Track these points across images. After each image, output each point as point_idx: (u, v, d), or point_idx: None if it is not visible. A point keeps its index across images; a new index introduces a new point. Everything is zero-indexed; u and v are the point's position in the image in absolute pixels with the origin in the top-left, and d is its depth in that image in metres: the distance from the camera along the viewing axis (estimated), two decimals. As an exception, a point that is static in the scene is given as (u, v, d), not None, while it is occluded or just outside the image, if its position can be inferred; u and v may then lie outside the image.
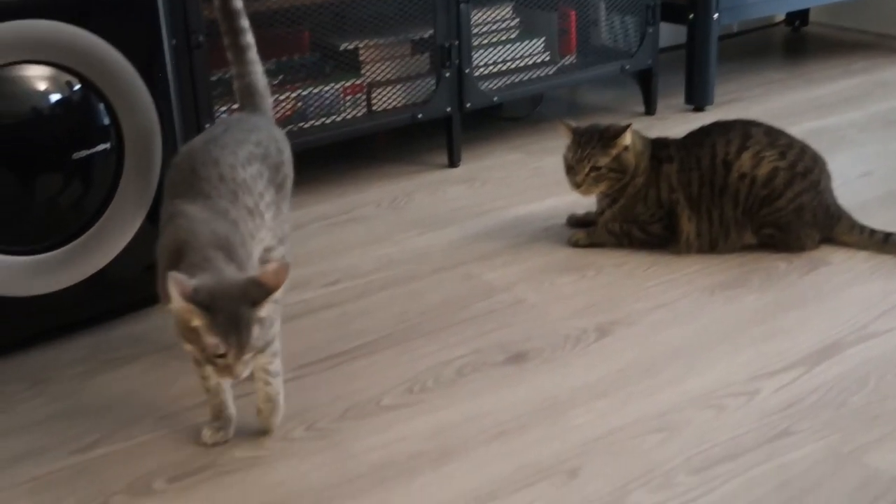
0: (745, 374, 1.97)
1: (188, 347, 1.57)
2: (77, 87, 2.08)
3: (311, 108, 2.85)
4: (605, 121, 2.50)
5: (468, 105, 3.03)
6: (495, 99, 3.10)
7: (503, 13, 3.18)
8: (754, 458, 1.73)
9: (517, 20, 3.21)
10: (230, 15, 2.03)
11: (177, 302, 1.51)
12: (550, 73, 3.27)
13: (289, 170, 1.96)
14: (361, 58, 2.93)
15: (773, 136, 2.42)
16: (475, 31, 3.06)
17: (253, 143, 1.86)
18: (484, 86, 3.08)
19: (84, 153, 2.09)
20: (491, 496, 1.66)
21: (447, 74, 2.98)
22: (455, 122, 3.04)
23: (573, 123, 2.48)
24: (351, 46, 2.92)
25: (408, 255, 2.51)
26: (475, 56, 3.06)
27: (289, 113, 2.82)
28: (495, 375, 2.00)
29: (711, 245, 2.43)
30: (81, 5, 2.05)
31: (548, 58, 3.27)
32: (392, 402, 1.92)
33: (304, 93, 2.83)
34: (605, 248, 2.49)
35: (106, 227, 2.14)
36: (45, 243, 2.09)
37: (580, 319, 2.19)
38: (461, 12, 2.96)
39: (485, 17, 3.13)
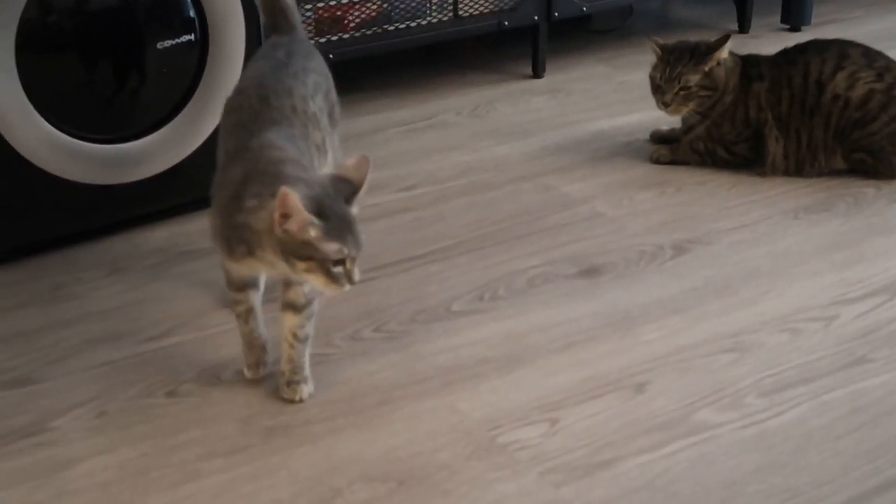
0: (824, 300, 1.92)
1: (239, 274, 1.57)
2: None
3: (396, 11, 2.81)
4: (695, 38, 2.42)
5: (556, 14, 2.97)
6: (584, 9, 3.03)
7: (597, -80, 3.08)
8: (828, 384, 1.69)
9: (612, -72, 3.12)
10: None
11: (298, 217, 1.42)
12: (643, -16, 3.17)
13: (335, 96, 1.84)
14: (450, -40, 2.88)
15: (871, 58, 2.32)
16: (567, -63, 2.98)
17: (314, 70, 1.75)
18: (573, -5, 3.01)
19: (168, 43, 2.09)
20: (556, 405, 1.65)
21: (536, -18, 2.91)
22: (542, 32, 2.98)
23: (661, 41, 2.41)
24: (441, -52, 2.86)
25: (486, 164, 2.48)
26: (566, -36, 2.98)
27: (373, 14, 2.78)
28: (567, 287, 1.98)
29: (798, 168, 2.36)
30: None
31: (641, -31, 3.17)
32: (462, 308, 1.91)
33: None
34: (688, 166, 2.43)
35: (187, 119, 2.15)
36: (127, 133, 2.11)
37: (657, 236, 2.15)
38: (554, -83, 2.88)
39: (578, -77, 3.04)
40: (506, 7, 2.93)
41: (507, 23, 2.91)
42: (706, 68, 2.33)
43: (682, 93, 2.34)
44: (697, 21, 3.51)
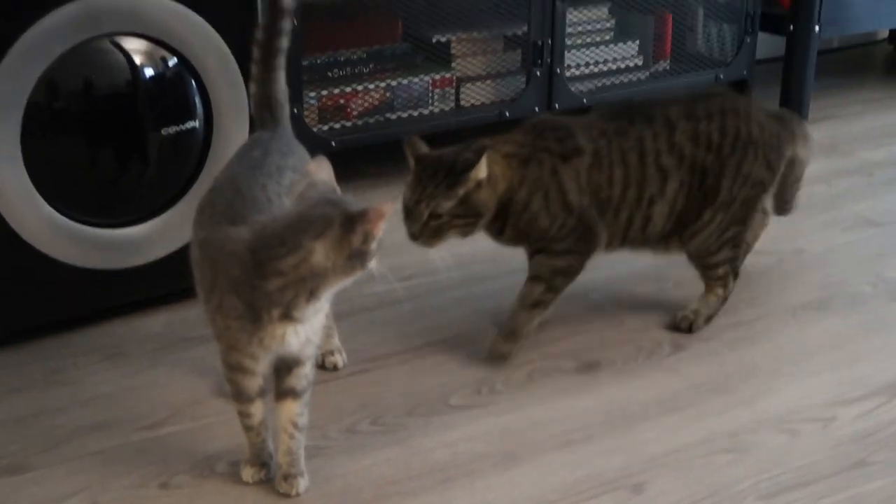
0: (822, 400, 1.91)
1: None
2: (171, 62, 2.09)
3: (399, 99, 2.85)
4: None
5: (556, 106, 3.00)
6: (585, 101, 3.06)
7: (599, 14, 3.14)
8: (826, 488, 1.68)
9: (612, 21, 3.17)
10: (278, 12, 1.83)
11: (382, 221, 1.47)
12: (643, 77, 3.22)
13: None
14: (453, 51, 2.92)
15: (695, 120, 2.06)
16: (569, 30, 3.03)
17: (290, 168, 1.74)
18: (574, 87, 3.05)
19: (173, 129, 2.11)
20: (553, 506, 1.64)
21: (538, 73, 2.95)
22: (543, 122, 3.00)
23: (422, 147, 1.95)
24: (443, 39, 2.90)
25: (484, 255, 2.47)
26: (567, 56, 3.03)
27: (377, 103, 2.82)
28: (565, 382, 1.97)
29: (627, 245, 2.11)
30: (181, -19, 2.07)
31: (641, 62, 3.22)
32: (460, 402, 1.91)
33: (394, 83, 2.83)
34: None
35: (188, 205, 2.15)
36: (128, 218, 2.12)
37: (655, 331, 2.15)
38: (557, 10, 2.93)
39: (580, 16, 3.09)
40: (507, 98, 2.97)
41: (508, 113, 2.94)
42: (461, 192, 1.91)
43: (432, 223, 1.91)
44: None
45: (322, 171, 1.56)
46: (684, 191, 2.04)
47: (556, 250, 2.00)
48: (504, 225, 1.99)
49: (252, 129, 2.02)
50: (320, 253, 1.47)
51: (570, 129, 2.01)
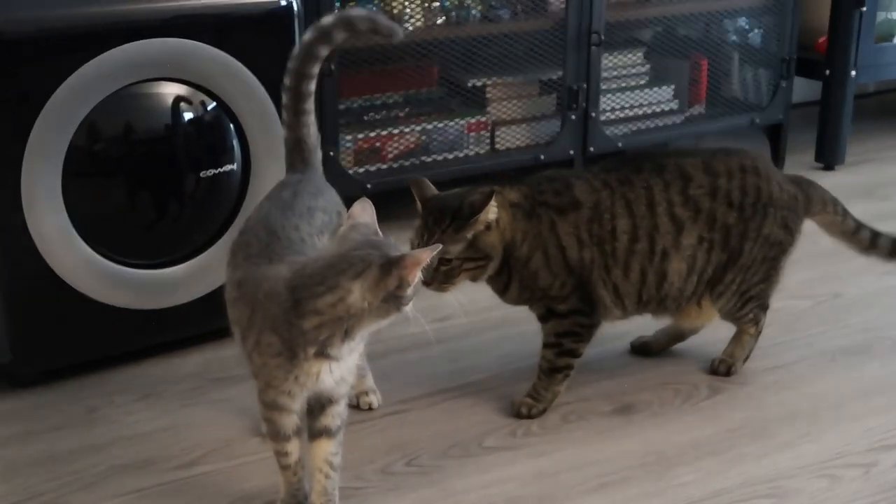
0: (863, 445, 1.89)
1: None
2: (211, 106, 2.12)
3: (435, 143, 2.86)
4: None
5: (591, 149, 3.01)
6: (619, 144, 3.07)
7: (634, 58, 3.15)
8: (867, 535, 1.66)
9: (647, 66, 3.18)
10: (307, 57, 1.81)
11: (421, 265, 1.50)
12: (678, 121, 3.23)
13: None
14: (488, 95, 2.94)
15: (714, 174, 2.00)
16: (604, 74, 3.04)
17: (321, 209, 1.75)
18: (609, 130, 3.06)
19: (211, 172, 2.13)
20: (589, 549, 1.62)
21: (573, 117, 2.97)
22: (577, 167, 3.01)
23: (428, 188, 1.92)
24: (479, 83, 2.93)
25: (520, 296, 2.48)
26: (602, 100, 3.04)
27: (412, 146, 2.83)
28: (601, 425, 1.96)
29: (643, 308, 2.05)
30: (221, 27, 2.10)
31: (676, 106, 3.23)
32: (495, 444, 1.90)
33: (429, 127, 2.85)
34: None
35: (225, 246, 2.16)
36: (167, 259, 2.14)
37: (692, 375, 2.13)
38: (592, 55, 2.95)
39: (615, 61, 3.11)
40: (542, 141, 2.98)
41: (543, 157, 2.95)
42: (468, 235, 1.88)
43: (442, 268, 1.87)
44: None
45: (365, 213, 1.58)
46: (705, 248, 1.97)
47: (560, 311, 1.96)
48: (509, 281, 1.95)
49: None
50: (357, 293, 1.48)
51: (568, 181, 1.96)
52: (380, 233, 1.58)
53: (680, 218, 1.96)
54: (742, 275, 2.01)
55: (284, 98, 1.85)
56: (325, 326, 1.50)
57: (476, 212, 1.86)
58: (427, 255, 1.49)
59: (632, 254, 1.95)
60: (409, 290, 1.50)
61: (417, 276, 1.50)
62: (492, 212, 1.88)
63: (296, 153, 1.86)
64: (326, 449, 1.62)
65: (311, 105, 1.85)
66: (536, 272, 1.93)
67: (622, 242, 1.94)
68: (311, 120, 1.86)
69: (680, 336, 2.20)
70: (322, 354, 1.52)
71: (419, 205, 1.92)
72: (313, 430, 1.63)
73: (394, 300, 1.49)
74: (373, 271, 1.48)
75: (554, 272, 1.93)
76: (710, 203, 1.97)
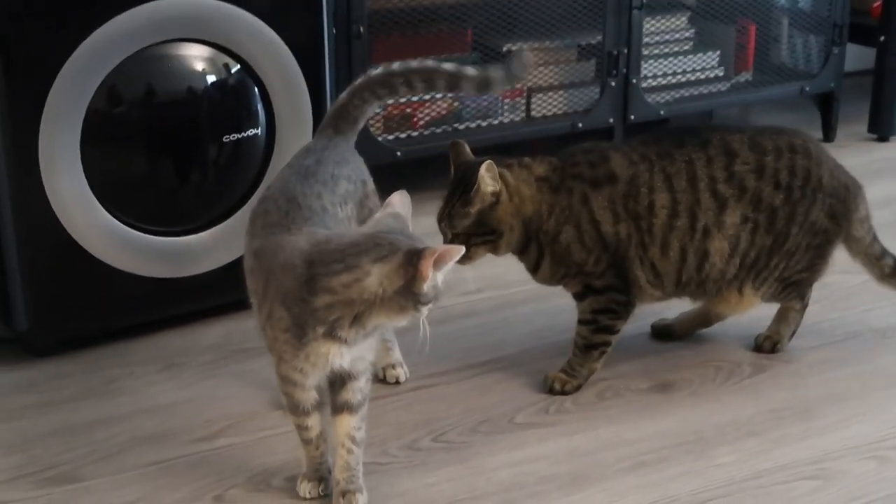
0: (914, 427, 1.87)
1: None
2: (235, 69, 2.12)
3: (468, 110, 2.85)
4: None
5: (632, 117, 2.98)
6: (661, 113, 3.04)
7: (678, 22, 3.11)
8: (917, 519, 1.64)
9: (692, 31, 3.14)
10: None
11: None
12: (723, 89, 3.19)
13: (374, 202, 1.81)
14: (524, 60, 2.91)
15: (762, 152, 1.98)
16: (646, 39, 3.01)
17: (345, 178, 1.74)
18: (650, 98, 3.02)
19: (234, 137, 2.13)
20: (623, 530, 1.61)
21: (612, 83, 2.94)
22: (617, 135, 2.98)
23: (463, 154, 1.93)
24: (514, 48, 2.90)
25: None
26: (644, 66, 3.01)
27: (444, 113, 2.82)
28: (638, 403, 1.95)
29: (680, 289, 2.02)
30: (246, -13, 2.09)
31: (721, 73, 3.19)
32: (526, 420, 1.89)
33: (462, 93, 2.82)
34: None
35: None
36: (188, 226, 2.14)
37: (734, 352, 2.11)
38: (633, 19, 2.92)
39: (658, 25, 3.07)
40: (580, 109, 2.96)
41: (580, 125, 2.93)
42: (472, 210, 1.88)
43: (455, 242, 1.87)
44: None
45: (403, 206, 1.57)
46: (749, 228, 1.95)
47: (596, 287, 1.94)
48: (540, 258, 1.95)
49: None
50: (374, 278, 1.47)
51: (605, 153, 1.95)
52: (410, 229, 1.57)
53: (723, 195, 1.93)
54: (786, 261, 1.98)
55: (357, 81, 1.86)
56: (336, 307, 1.49)
57: (474, 184, 1.85)
58: (456, 253, 1.48)
59: (671, 230, 1.93)
60: (426, 289, 1.48)
61: (433, 274, 1.47)
62: (487, 183, 1.86)
63: (340, 120, 1.85)
64: (348, 424, 1.62)
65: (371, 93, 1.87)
66: (568, 247, 1.92)
67: (660, 218, 1.92)
68: (369, 100, 1.86)
69: (706, 321, 2.16)
70: (331, 335, 1.51)
71: (452, 169, 1.92)
72: (335, 404, 1.63)
73: (411, 297, 1.48)
74: (396, 258, 1.47)
75: (587, 247, 1.92)
76: (756, 182, 1.94)
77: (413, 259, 1.46)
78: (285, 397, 1.62)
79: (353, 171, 1.78)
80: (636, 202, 1.92)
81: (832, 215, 2.00)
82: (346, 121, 1.86)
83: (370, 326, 1.52)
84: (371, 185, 1.83)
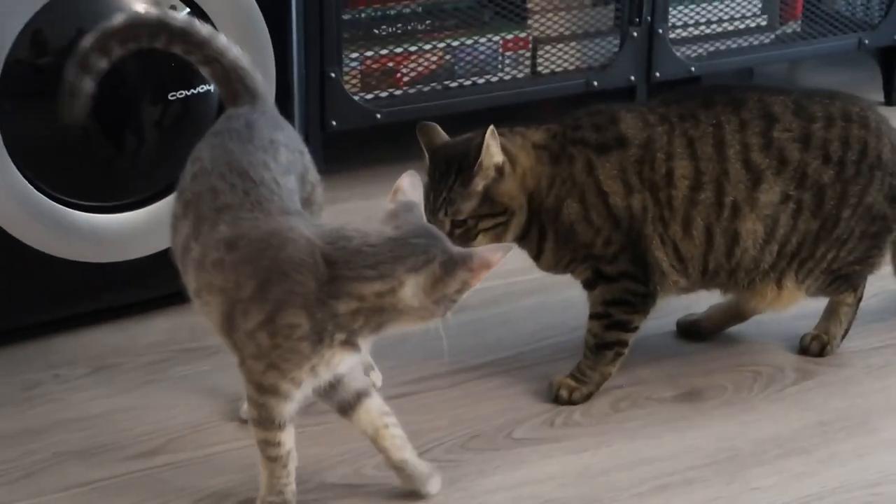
0: None
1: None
2: (183, 13, 2.10)
3: (462, 64, 2.84)
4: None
5: (657, 74, 2.98)
6: (693, 69, 3.04)
7: (713, -39, 3.12)
8: None
9: (730, -29, 3.15)
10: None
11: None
12: (766, 41, 3.19)
13: (314, 177, 1.81)
14: (529, 5, 2.91)
15: (808, 118, 1.97)
16: (675, -19, 3.02)
17: (284, 145, 1.74)
18: (680, 51, 3.02)
19: (183, 94, 2.12)
20: (640, 566, 1.62)
21: (635, 34, 2.93)
22: (640, 96, 2.98)
23: (438, 136, 1.95)
24: (518, -14, 2.90)
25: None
26: (672, 13, 3.01)
27: (434, 68, 2.81)
28: (661, 414, 1.95)
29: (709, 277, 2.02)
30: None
31: (764, 22, 3.19)
32: (527, 435, 1.89)
33: (455, 44, 2.82)
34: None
35: (199, 187, 2.17)
36: (127, 201, 2.13)
37: (775, 354, 2.12)
38: (659, -43, 2.92)
39: (689, -36, 3.07)
40: (595, 64, 2.95)
41: (596, 83, 2.93)
42: (479, 188, 1.89)
43: (457, 231, 1.88)
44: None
45: (414, 189, 1.62)
46: (790, 210, 1.93)
47: (608, 274, 1.94)
48: (542, 241, 1.95)
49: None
50: (409, 290, 1.53)
51: (614, 115, 1.95)
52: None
53: (757, 166, 1.92)
54: (836, 250, 1.98)
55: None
56: (362, 314, 1.54)
57: (478, 155, 1.86)
58: (500, 256, 1.54)
59: (693, 205, 1.92)
60: (465, 296, 1.55)
61: (481, 281, 1.55)
62: (494, 152, 1.87)
63: (235, 83, 1.81)
64: (373, 406, 1.69)
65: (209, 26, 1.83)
66: (572, 225, 1.91)
67: (680, 190, 1.92)
68: (224, 38, 1.81)
69: (740, 315, 2.15)
70: (349, 343, 1.56)
71: (427, 156, 1.92)
72: (344, 403, 1.68)
73: (445, 304, 1.55)
74: (433, 269, 1.52)
75: (595, 225, 1.92)
76: (801, 154, 1.93)
77: (453, 268, 1.53)
78: (257, 409, 1.62)
79: (290, 140, 1.78)
80: (652, 170, 1.92)
81: (893, 198, 1.99)
82: (244, 76, 1.81)
83: (386, 332, 1.58)
84: (308, 156, 1.82)
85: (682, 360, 2.10)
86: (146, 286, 2.18)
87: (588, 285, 1.98)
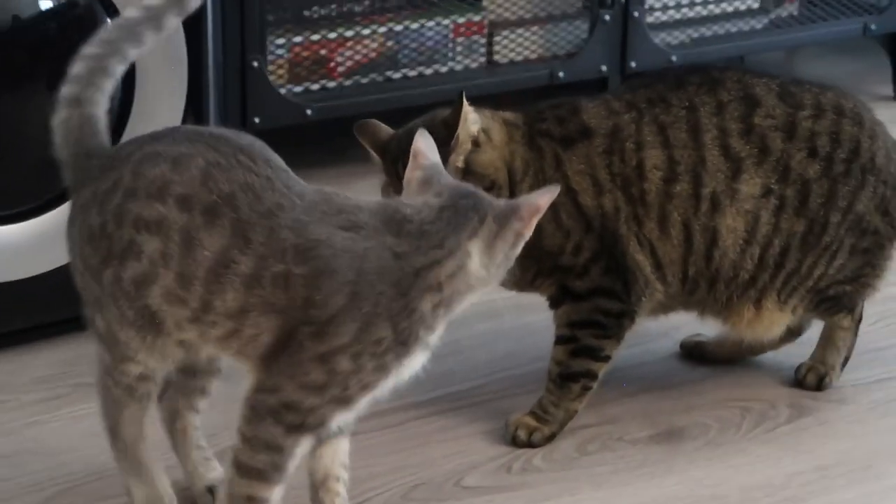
0: None
1: None
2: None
3: (407, 52, 2.85)
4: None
5: (632, 64, 3.01)
6: (674, 59, 3.06)
7: (697, -66, 3.15)
8: None
9: (717, -53, 3.18)
10: None
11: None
12: (758, 27, 3.23)
13: None
14: (485, -15, 2.93)
15: (795, 104, 2.01)
16: (653, -42, 3.04)
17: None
18: (659, 38, 3.05)
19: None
20: None
21: (606, 18, 2.96)
22: (612, 89, 2.98)
23: (381, 131, 1.98)
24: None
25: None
26: (650, -6, 3.04)
27: (374, 56, 2.82)
28: (634, 458, 1.96)
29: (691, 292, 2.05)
30: None
31: (757, 5, 3.23)
32: (480, 483, 1.90)
33: (398, 28, 2.84)
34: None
35: (98, 194, 2.16)
36: (12, 210, 2.13)
37: (766, 388, 2.14)
38: (634, -71, 2.94)
39: (668, -61, 3.10)
40: (561, 52, 2.97)
41: (562, 74, 2.95)
42: (459, 163, 1.91)
43: None
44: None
45: (431, 150, 1.65)
46: (772, 205, 1.95)
47: (575, 291, 1.96)
48: None
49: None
50: (476, 258, 1.58)
51: (575, 105, 1.99)
52: None
53: (737, 153, 1.95)
54: (824, 264, 1.99)
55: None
56: (442, 305, 1.58)
57: (454, 127, 1.88)
58: (548, 199, 1.58)
59: (668, 198, 1.94)
60: (518, 251, 1.60)
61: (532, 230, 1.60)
62: (472, 120, 1.90)
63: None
64: (342, 448, 1.71)
65: None
66: (540, 227, 1.91)
67: (653, 182, 1.94)
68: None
69: (750, 347, 2.17)
70: (426, 344, 1.62)
71: (375, 156, 1.94)
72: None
73: (504, 264, 1.60)
74: (487, 226, 1.57)
75: (564, 227, 1.93)
76: (784, 143, 1.96)
77: (508, 218, 1.57)
78: (269, 455, 1.59)
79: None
80: (622, 161, 1.94)
81: (885, 212, 2.01)
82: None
83: (453, 315, 1.63)
84: None
85: (660, 395, 2.11)
86: (36, 311, 2.19)
87: (553, 303, 1.99)
